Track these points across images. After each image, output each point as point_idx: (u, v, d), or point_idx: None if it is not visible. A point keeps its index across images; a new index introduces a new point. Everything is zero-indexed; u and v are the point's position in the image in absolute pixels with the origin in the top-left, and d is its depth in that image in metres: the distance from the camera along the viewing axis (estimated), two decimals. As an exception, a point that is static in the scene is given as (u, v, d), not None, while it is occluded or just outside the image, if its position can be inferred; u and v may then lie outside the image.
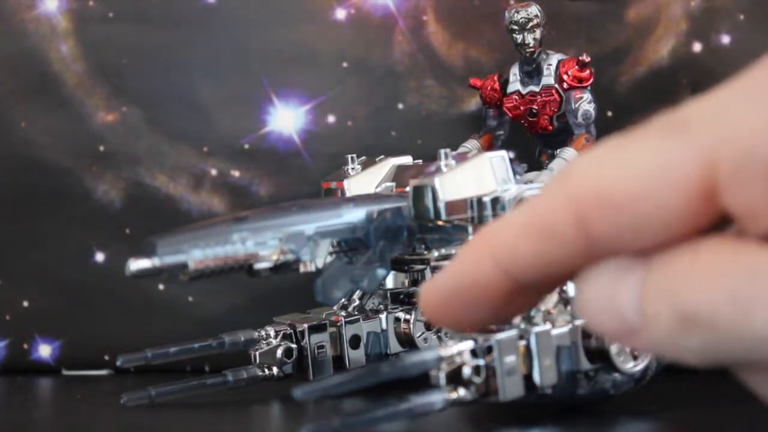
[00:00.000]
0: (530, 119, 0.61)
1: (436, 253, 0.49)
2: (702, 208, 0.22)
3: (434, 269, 0.51)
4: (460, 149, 0.60)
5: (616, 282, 0.23)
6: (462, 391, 0.41)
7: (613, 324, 0.23)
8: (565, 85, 0.60)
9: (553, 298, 0.44)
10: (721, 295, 0.21)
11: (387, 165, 0.55)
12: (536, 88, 0.60)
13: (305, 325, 0.54)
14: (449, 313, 0.26)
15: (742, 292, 0.21)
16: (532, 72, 0.61)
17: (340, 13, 0.65)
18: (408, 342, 0.55)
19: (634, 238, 0.22)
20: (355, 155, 0.56)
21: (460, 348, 0.41)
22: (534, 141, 0.62)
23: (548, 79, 0.60)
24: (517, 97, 0.61)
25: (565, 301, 0.44)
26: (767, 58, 0.22)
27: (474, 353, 0.42)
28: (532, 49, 0.60)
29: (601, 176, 0.22)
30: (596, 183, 0.22)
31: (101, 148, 0.66)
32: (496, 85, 0.62)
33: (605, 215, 0.22)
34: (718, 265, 0.21)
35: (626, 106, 0.64)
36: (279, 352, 0.53)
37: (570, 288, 0.44)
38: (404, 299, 0.56)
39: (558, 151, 0.60)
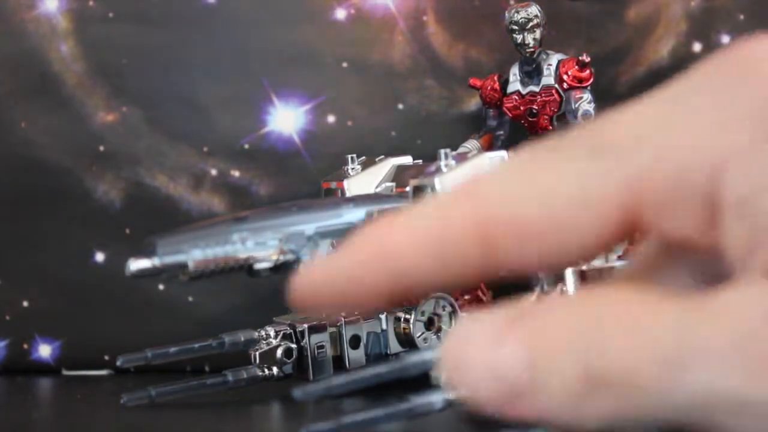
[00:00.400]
0: (530, 119, 0.61)
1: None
2: (620, 231, 0.21)
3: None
4: (460, 149, 0.60)
5: (496, 336, 0.20)
6: (462, 391, 0.41)
7: (493, 388, 0.21)
8: (565, 85, 0.60)
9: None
10: (646, 353, 0.19)
11: (387, 165, 0.55)
12: (536, 88, 0.60)
13: (305, 325, 0.54)
14: (316, 299, 0.24)
15: (673, 350, 0.18)
16: (532, 72, 0.61)
17: (340, 13, 0.65)
18: (408, 342, 0.55)
19: (544, 262, 0.21)
20: (355, 155, 0.56)
21: (460, 348, 0.41)
22: (534, 141, 0.62)
23: (548, 79, 0.60)
24: (517, 97, 0.61)
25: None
26: (689, 73, 0.21)
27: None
28: (532, 49, 0.60)
29: (513, 199, 0.21)
30: (508, 207, 0.21)
31: (101, 148, 0.66)
32: (496, 85, 0.62)
33: (515, 241, 0.21)
34: (641, 318, 0.19)
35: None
36: (279, 352, 0.53)
37: (569, 285, 0.44)
38: (404, 299, 0.56)
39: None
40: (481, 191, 0.21)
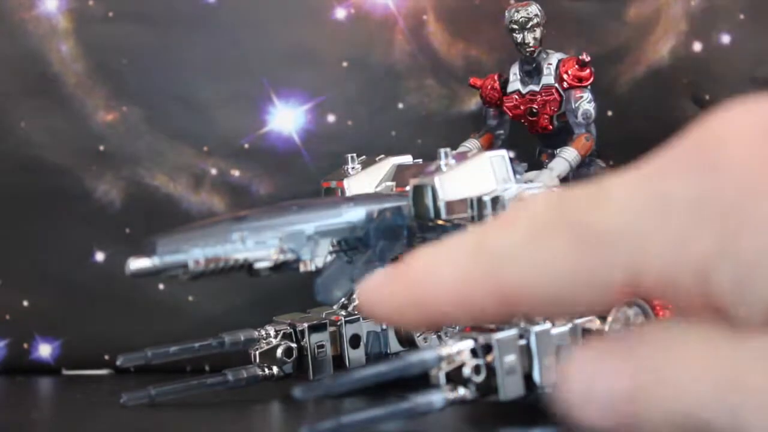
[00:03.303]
0: (530, 119, 0.61)
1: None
2: (623, 297, 0.24)
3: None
4: (460, 149, 0.60)
5: (606, 366, 0.24)
6: (462, 391, 0.41)
7: (600, 414, 0.24)
8: (565, 85, 0.60)
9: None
10: (713, 399, 0.22)
11: (387, 164, 0.55)
12: (536, 88, 0.60)
13: (305, 325, 0.54)
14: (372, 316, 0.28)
15: (730, 395, 0.21)
16: (532, 71, 0.61)
17: (340, 13, 0.65)
18: (408, 341, 0.55)
19: (555, 318, 0.26)
20: (355, 155, 0.56)
21: (460, 347, 0.41)
22: (534, 141, 0.62)
23: (548, 78, 0.60)
24: (517, 97, 0.61)
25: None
26: (665, 151, 0.23)
27: (474, 352, 0.42)
28: (532, 49, 0.60)
29: (528, 277, 0.24)
30: (524, 283, 0.24)
31: (101, 147, 0.66)
32: (496, 85, 0.62)
33: (530, 307, 0.25)
34: (702, 365, 0.22)
35: (626, 106, 0.64)
36: (279, 352, 0.53)
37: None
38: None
39: (558, 150, 0.60)
40: (496, 264, 0.24)
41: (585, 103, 0.59)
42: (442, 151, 0.49)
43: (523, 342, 0.43)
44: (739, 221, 0.21)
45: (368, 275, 0.27)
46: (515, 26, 0.60)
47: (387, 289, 0.26)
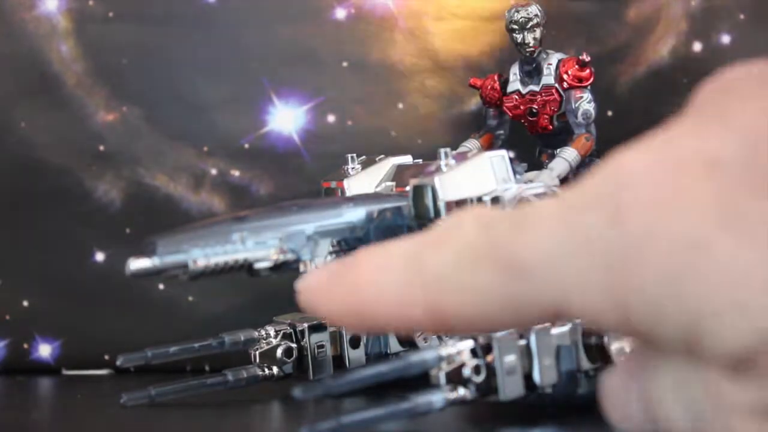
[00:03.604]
0: (530, 119, 0.61)
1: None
2: (555, 319, 0.25)
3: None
4: (460, 149, 0.60)
5: (626, 387, 0.26)
6: (462, 391, 0.41)
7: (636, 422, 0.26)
8: (565, 85, 0.60)
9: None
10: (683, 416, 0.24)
11: (387, 165, 0.55)
12: (536, 88, 0.60)
13: (305, 325, 0.54)
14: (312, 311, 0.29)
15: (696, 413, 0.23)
16: (532, 71, 0.61)
17: (340, 13, 0.65)
18: (408, 341, 0.55)
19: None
20: (355, 155, 0.56)
21: (460, 347, 0.41)
22: (534, 141, 0.62)
23: (548, 78, 0.60)
24: (517, 97, 0.61)
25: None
26: (582, 189, 0.24)
27: (474, 352, 0.42)
28: (532, 49, 0.60)
29: (455, 298, 0.25)
30: (451, 303, 0.25)
31: (101, 148, 0.66)
32: (496, 85, 0.62)
33: (461, 325, 0.26)
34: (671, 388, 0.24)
35: (626, 106, 0.64)
36: (279, 352, 0.53)
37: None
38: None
39: (558, 150, 0.60)
40: (432, 284, 0.25)
41: (585, 103, 0.59)
42: (442, 151, 0.49)
43: (523, 342, 0.43)
44: (639, 262, 0.22)
45: None
46: (515, 26, 0.60)
47: (328, 292, 0.27)
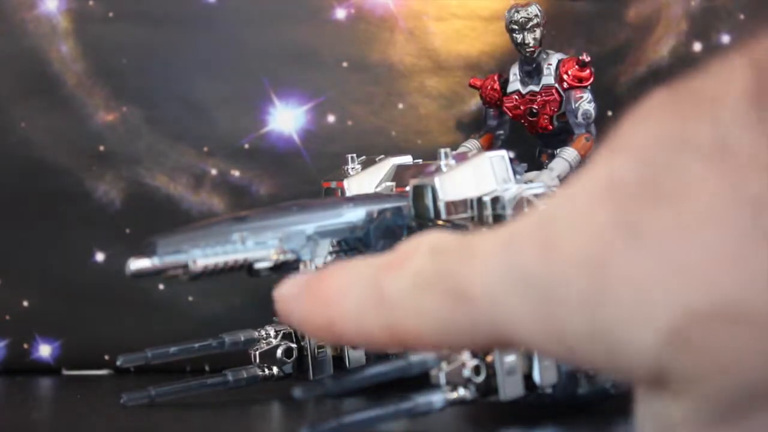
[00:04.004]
0: (530, 119, 0.61)
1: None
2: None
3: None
4: (460, 149, 0.60)
5: None
6: (462, 391, 0.41)
7: None
8: (565, 85, 0.60)
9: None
10: None
11: (387, 165, 0.55)
12: (536, 88, 0.60)
13: (305, 325, 0.54)
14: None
15: None
16: (532, 72, 0.61)
17: (340, 13, 0.65)
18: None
19: None
20: (355, 155, 0.56)
21: (460, 347, 0.41)
22: (534, 141, 0.62)
23: (548, 78, 0.60)
24: (517, 97, 0.61)
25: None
26: (519, 226, 0.24)
27: (474, 353, 0.42)
28: (532, 49, 0.60)
29: (410, 322, 0.26)
30: (407, 326, 0.26)
31: (101, 148, 0.66)
32: (496, 85, 0.62)
33: (418, 346, 0.26)
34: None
35: (626, 106, 0.63)
36: (279, 352, 0.53)
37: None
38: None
39: (558, 150, 0.60)
40: (389, 307, 0.26)
41: (585, 104, 0.59)
42: (442, 151, 0.49)
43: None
44: (566, 292, 0.23)
45: None
46: (515, 26, 0.60)
47: (301, 303, 0.28)
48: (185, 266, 0.44)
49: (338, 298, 0.27)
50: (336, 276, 0.28)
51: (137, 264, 0.43)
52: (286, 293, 0.29)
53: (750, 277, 0.20)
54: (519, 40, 0.60)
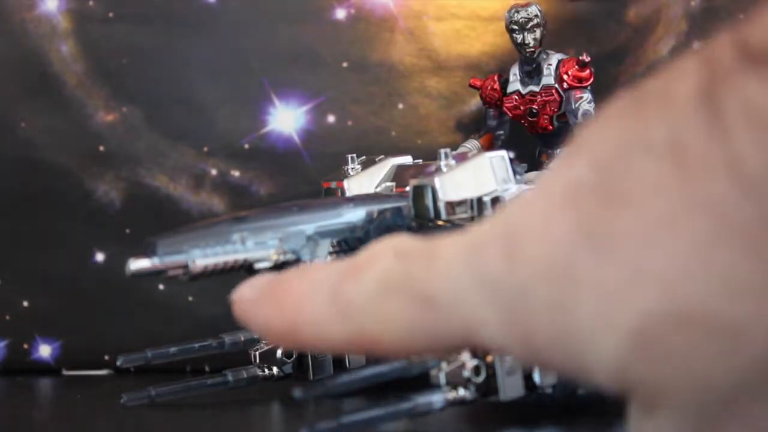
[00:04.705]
0: (530, 119, 0.61)
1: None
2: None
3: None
4: (460, 149, 0.60)
5: None
6: (462, 391, 0.41)
7: None
8: (565, 85, 0.60)
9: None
10: None
11: (387, 165, 0.55)
12: (536, 88, 0.60)
13: (305, 325, 0.54)
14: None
15: None
16: (532, 72, 0.61)
17: (340, 13, 0.65)
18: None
19: None
20: (355, 155, 0.56)
21: (460, 348, 0.41)
22: (534, 141, 0.62)
23: (548, 78, 0.60)
24: (517, 97, 0.61)
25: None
26: (483, 231, 0.24)
27: (474, 353, 0.42)
28: (532, 49, 0.60)
29: (374, 327, 0.25)
30: (371, 332, 0.25)
31: (101, 148, 0.66)
32: (496, 85, 0.62)
33: (383, 351, 0.26)
34: None
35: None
36: (279, 352, 0.53)
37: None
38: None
39: (558, 151, 0.60)
40: (353, 313, 0.26)
41: (585, 104, 0.59)
42: (442, 151, 0.49)
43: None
44: (532, 297, 0.22)
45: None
46: (515, 27, 0.60)
47: (263, 311, 0.27)
48: (185, 266, 0.44)
49: (301, 303, 0.27)
50: (298, 281, 0.27)
51: (137, 264, 0.43)
52: (247, 297, 0.28)
53: (708, 280, 0.20)
54: (519, 41, 0.60)
